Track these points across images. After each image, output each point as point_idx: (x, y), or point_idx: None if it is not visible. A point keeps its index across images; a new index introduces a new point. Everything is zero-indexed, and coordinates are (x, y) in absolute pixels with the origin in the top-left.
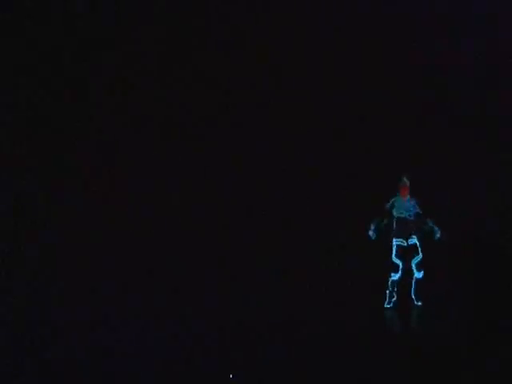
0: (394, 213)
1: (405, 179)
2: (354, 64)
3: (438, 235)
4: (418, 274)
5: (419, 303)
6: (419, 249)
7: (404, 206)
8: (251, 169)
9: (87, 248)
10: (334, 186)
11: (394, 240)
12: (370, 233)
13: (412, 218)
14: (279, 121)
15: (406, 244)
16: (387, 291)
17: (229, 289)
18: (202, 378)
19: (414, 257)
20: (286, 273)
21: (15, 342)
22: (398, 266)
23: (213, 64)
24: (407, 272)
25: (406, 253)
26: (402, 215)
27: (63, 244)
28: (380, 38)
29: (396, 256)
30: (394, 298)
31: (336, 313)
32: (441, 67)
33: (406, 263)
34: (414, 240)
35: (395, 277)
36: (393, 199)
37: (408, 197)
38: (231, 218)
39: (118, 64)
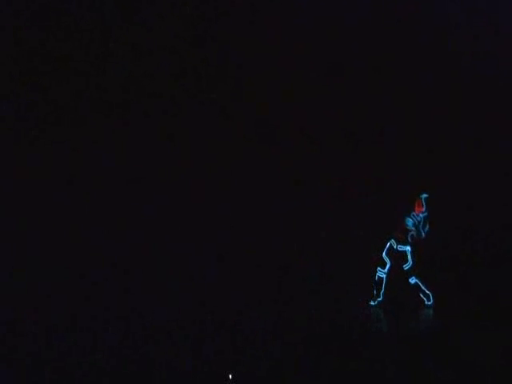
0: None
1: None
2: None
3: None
4: (411, 280)
5: (430, 303)
6: (409, 256)
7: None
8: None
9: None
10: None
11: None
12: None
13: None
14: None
15: (395, 247)
16: (374, 290)
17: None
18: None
19: (404, 264)
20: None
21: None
22: (385, 263)
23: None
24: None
25: (396, 257)
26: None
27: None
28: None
29: (386, 253)
30: (380, 298)
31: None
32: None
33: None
34: (404, 248)
35: (381, 273)
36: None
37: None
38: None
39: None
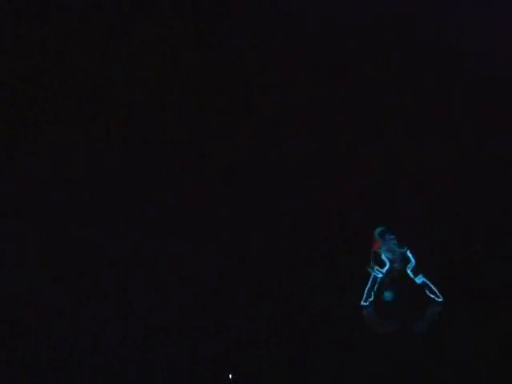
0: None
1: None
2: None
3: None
4: (419, 279)
5: (440, 299)
6: (411, 256)
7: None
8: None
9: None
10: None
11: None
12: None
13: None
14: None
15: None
16: (366, 288)
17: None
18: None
19: (407, 264)
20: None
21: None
22: (385, 264)
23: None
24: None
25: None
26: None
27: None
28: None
29: (386, 255)
30: (371, 298)
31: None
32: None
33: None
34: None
35: (379, 274)
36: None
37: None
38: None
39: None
